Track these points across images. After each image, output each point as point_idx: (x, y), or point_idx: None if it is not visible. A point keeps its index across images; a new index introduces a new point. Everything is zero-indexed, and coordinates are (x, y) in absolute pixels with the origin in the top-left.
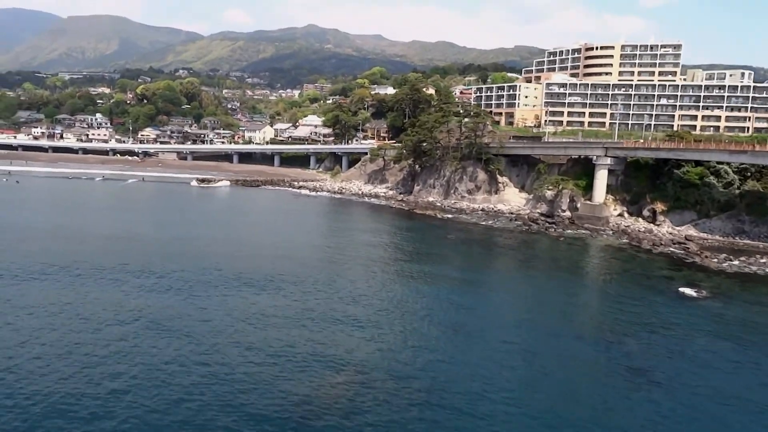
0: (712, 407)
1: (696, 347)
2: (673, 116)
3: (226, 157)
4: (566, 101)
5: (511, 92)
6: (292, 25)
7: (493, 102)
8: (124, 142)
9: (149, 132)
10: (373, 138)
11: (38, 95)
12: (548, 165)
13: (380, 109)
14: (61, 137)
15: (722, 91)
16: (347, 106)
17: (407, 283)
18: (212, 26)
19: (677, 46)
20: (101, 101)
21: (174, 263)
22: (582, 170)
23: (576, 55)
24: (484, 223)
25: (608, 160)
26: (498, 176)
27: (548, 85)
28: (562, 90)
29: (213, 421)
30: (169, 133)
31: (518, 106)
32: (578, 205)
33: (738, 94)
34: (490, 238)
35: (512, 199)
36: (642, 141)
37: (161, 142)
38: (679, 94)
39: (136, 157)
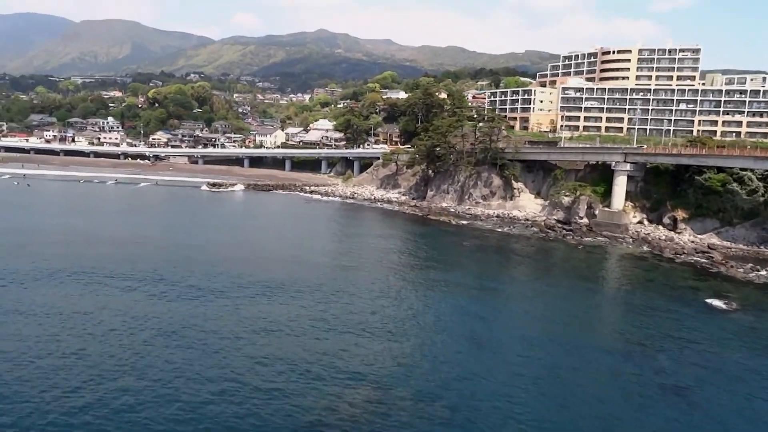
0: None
1: (731, 363)
2: (693, 121)
3: (236, 161)
4: (583, 106)
5: (526, 96)
6: (303, 29)
7: (507, 106)
8: (135, 145)
9: (160, 136)
10: (385, 142)
11: (51, 99)
12: (565, 171)
13: (392, 114)
14: (73, 140)
15: (743, 96)
16: (359, 111)
17: (424, 291)
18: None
19: (696, 50)
20: (113, 105)
21: (186, 269)
22: (600, 176)
23: (592, 59)
24: (499, 229)
25: (627, 166)
26: (513, 182)
27: (564, 89)
28: (578, 94)
29: None
30: (180, 136)
31: (533, 111)
32: (596, 212)
33: (760, 98)
34: (507, 245)
35: (528, 205)
36: (662, 147)
37: (172, 146)
38: (698, 99)
39: (147, 160)
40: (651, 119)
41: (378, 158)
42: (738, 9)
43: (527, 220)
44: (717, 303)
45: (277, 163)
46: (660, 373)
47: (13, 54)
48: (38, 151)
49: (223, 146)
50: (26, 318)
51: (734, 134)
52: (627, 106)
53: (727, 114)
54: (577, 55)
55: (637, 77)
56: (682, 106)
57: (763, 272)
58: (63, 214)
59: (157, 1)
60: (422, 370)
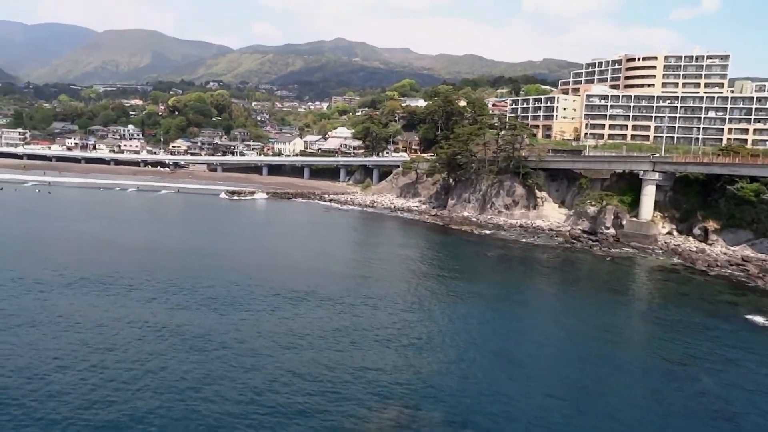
0: None
1: None
2: (722, 129)
3: (255, 168)
4: (607, 113)
5: (549, 104)
6: (321, 38)
7: (529, 114)
8: (155, 153)
9: (180, 143)
10: (405, 150)
11: (73, 107)
12: (590, 180)
13: (411, 122)
14: (94, 148)
15: None
16: (378, 118)
17: (449, 303)
18: (242, 40)
19: (724, 57)
20: (134, 113)
21: (207, 277)
22: (627, 185)
23: (616, 66)
24: (523, 239)
25: (656, 175)
26: (536, 191)
27: (588, 96)
28: (603, 102)
29: None
30: (199, 144)
31: (556, 119)
32: (623, 222)
33: None
34: (532, 256)
35: (551, 214)
36: (692, 155)
37: (192, 154)
38: (728, 106)
39: (166, 168)
40: (678, 127)
41: (398, 166)
42: (762, 16)
43: (551, 230)
44: (759, 319)
45: (296, 171)
46: (705, 395)
47: (38, 63)
48: (60, 158)
49: (242, 154)
50: (44, 329)
51: (766, 143)
52: (653, 114)
53: (759, 122)
54: (601, 62)
55: (663, 84)
56: (711, 114)
57: None
58: (85, 221)
59: (178, 11)
60: (452, 389)
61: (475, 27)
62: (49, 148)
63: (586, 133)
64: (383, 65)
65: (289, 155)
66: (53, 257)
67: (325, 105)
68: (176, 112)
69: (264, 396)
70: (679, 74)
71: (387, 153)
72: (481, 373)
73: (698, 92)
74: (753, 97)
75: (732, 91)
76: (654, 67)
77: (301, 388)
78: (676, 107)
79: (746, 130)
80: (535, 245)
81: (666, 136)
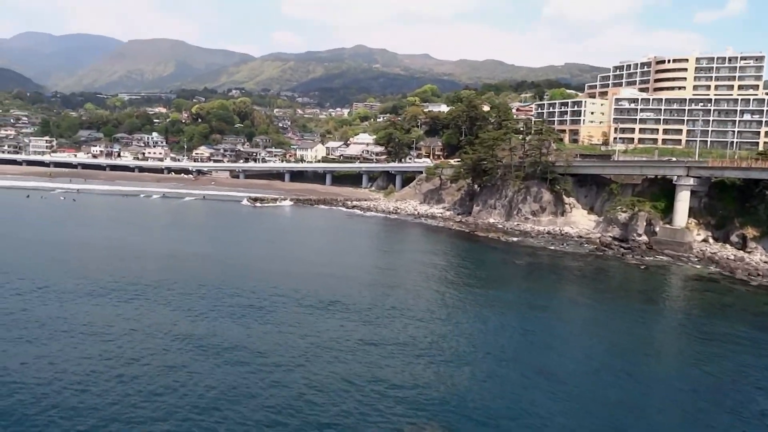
0: None
1: None
2: (759, 133)
3: (277, 175)
4: (637, 117)
5: (576, 108)
6: (341, 45)
7: (555, 119)
8: (178, 160)
9: (203, 150)
10: (428, 156)
11: (98, 115)
12: (621, 185)
13: (433, 127)
14: (119, 155)
15: None
16: (400, 124)
17: (479, 313)
18: (264, 48)
19: (759, 58)
20: (158, 120)
21: (232, 286)
22: (660, 191)
23: (645, 68)
24: (552, 247)
25: (691, 181)
26: (564, 197)
27: (617, 100)
28: (632, 105)
29: None
30: (222, 151)
31: (583, 123)
32: (656, 229)
33: None
34: (563, 264)
35: (580, 221)
36: (728, 160)
37: (215, 161)
38: (765, 108)
39: (190, 175)
40: (712, 131)
41: (421, 172)
42: None
43: (580, 237)
44: None
45: (318, 177)
46: (766, 416)
47: (65, 73)
48: (85, 166)
49: (264, 160)
50: (66, 339)
51: None
52: (685, 118)
53: None
54: (629, 65)
55: (695, 87)
56: (747, 117)
57: None
58: (111, 228)
59: (202, 21)
60: (490, 408)
61: (495, 33)
62: (75, 155)
63: (615, 138)
64: (403, 71)
65: (310, 161)
66: (78, 265)
67: (345, 111)
68: (199, 120)
69: (291, 414)
70: (711, 76)
71: (410, 159)
72: (519, 390)
73: (732, 94)
74: None
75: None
76: (685, 69)
77: (330, 404)
78: (709, 110)
79: None
80: (565, 253)
81: (699, 140)
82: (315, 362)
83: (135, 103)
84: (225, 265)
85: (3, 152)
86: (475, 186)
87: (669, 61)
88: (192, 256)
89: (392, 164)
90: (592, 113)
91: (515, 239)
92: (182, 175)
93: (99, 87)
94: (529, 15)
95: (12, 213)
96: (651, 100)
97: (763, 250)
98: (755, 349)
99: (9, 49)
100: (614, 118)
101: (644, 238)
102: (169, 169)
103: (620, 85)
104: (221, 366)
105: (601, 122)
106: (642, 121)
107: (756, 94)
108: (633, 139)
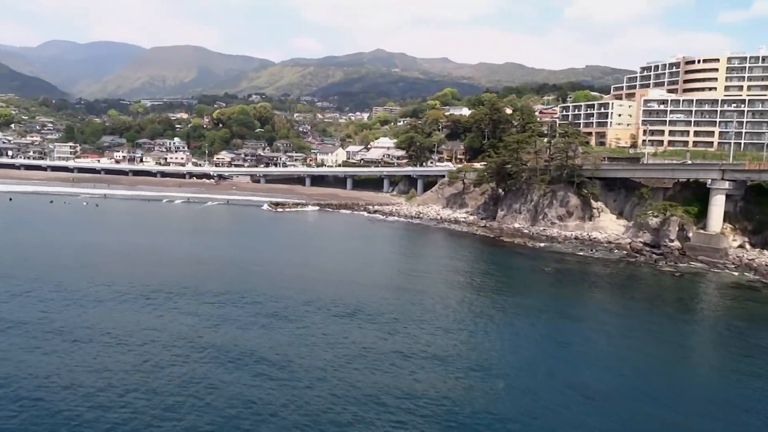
0: None
1: None
2: None
3: (298, 179)
4: (667, 119)
5: (602, 110)
6: (360, 50)
7: (581, 121)
8: (200, 165)
9: (224, 155)
10: (450, 160)
11: (121, 121)
12: (651, 189)
13: (455, 131)
14: (141, 161)
15: None
16: (421, 127)
17: (509, 322)
18: (283, 53)
19: None
20: (179, 126)
21: (255, 292)
22: (692, 195)
23: (673, 69)
24: (581, 252)
25: (726, 184)
26: (592, 201)
27: (646, 101)
28: (662, 107)
29: None
30: (243, 156)
31: (610, 125)
32: (689, 235)
33: None
34: (593, 270)
35: (609, 226)
36: (765, 162)
37: (236, 165)
38: None
39: (211, 180)
40: (746, 132)
41: (443, 176)
42: None
43: (609, 242)
44: None
45: (339, 181)
46: None
47: (90, 80)
48: (108, 171)
49: (284, 165)
50: (87, 346)
51: None
52: (717, 119)
53: None
54: (657, 66)
55: (726, 88)
56: None
57: None
58: (134, 234)
59: (223, 28)
60: (527, 425)
61: (515, 36)
62: (98, 161)
63: (644, 140)
64: (423, 75)
65: (331, 166)
66: (100, 270)
67: (365, 115)
68: (220, 125)
69: (318, 427)
70: (744, 76)
71: (431, 163)
72: (555, 406)
73: (766, 95)
74: None
75: None
76: (716, 70)
77: (358, 419)
78: (743, 111)
79: None
80: (595, 259)
81: (733, 142)
82: (341, 375)
83: (157, 108)
84: (249, 272)
85: (28, 158)
86: (500, 190)
87: (699, 61)
88: (216, 261)
89: (414, 168)
90: (619, 115)
91: (542, 245)
92: (204, 180)
93: (122, 93)
94: (550, 18)
95: (36, 218)
96: (681, 101)
97: None
98: None
99: (36, 57)
100: (643, 120)
101: (677, 243)
102: (191, 174)
103: (647, 86)
104: (244, 378)
105: (628, 124)
106: (672, 122)
107: None
108: (662, 141)
